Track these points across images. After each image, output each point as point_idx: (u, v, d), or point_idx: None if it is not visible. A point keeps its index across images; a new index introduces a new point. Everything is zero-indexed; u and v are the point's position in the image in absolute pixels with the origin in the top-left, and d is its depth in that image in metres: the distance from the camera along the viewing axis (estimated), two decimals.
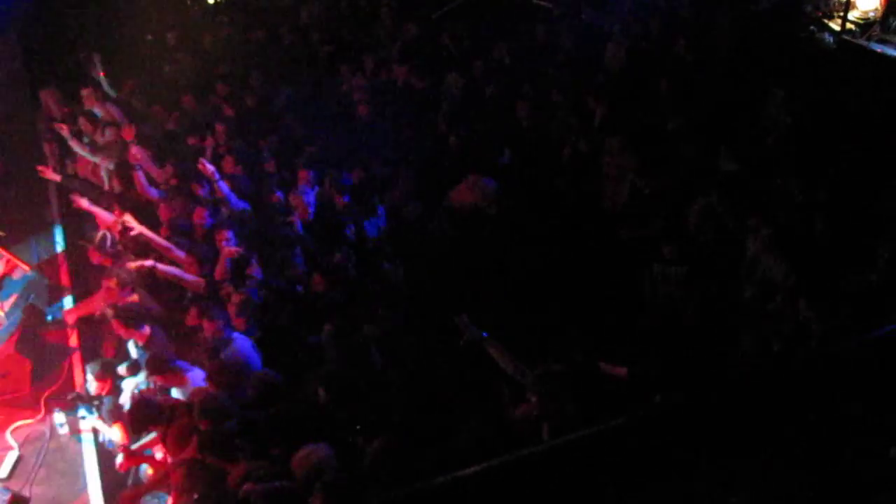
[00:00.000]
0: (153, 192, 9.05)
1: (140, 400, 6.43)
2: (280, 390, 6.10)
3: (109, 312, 7.27)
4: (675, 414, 3.04)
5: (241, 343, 6.73)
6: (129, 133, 9.37)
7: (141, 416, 6.27)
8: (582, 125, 8.67)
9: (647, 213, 7.36)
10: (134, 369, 7.19)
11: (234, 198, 8.56)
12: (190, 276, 7.63)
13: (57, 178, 10.05)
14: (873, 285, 5.59)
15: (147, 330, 7.13)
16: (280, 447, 5.51)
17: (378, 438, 5.15)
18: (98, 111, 11.00)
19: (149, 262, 7.61)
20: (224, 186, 8.53)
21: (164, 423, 6.21)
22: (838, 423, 2.93)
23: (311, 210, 8.32)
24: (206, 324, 6.87)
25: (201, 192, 8.75)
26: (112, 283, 7.67)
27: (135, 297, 7.70)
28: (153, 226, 8.27)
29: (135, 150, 9.21)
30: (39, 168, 9.72)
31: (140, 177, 8.93)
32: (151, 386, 6.92)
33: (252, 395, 6.10)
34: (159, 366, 6.67)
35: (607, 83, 9.45)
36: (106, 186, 10.12)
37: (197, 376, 6.66)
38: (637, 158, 7.64)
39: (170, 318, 7.57)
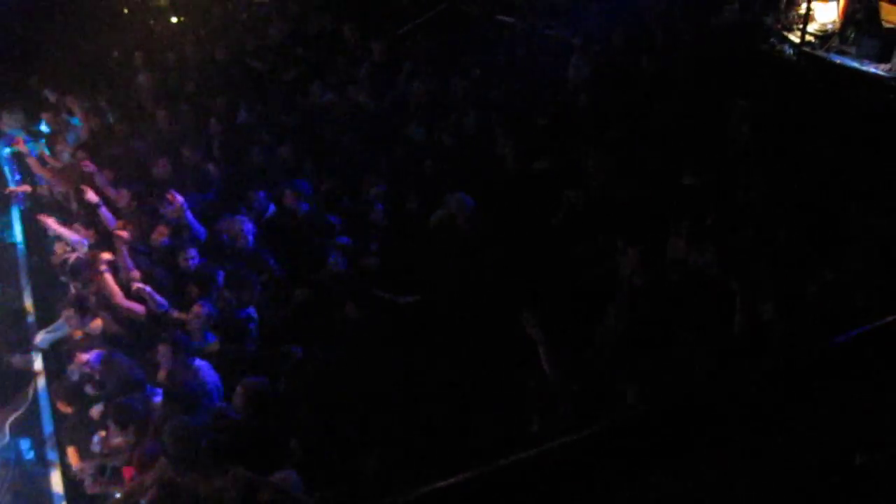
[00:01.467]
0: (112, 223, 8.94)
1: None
2: (269, 397, 6.07)
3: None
4: (638, 423, 3.06)
5: (199, 364, 6.70)
6: (87, 165, 9.36)
7: (122, 418, 6.23)
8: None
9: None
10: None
11: (196, 224, 8.51)
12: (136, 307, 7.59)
13: (28, 188, 10.00)
14: (833, 288, 5.68)
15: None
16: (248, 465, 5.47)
17: (372, 456, 5.18)
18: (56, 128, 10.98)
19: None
20: (189, 215, 8.48)
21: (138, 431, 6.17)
22: (802, 430, 2.96)
23: (249, 238, 8.26)
24: (160, 347, 6.89)
25: (163, 210, 8.68)
26: (71, 312, 7.62)
27: (98, 322, 7.60)
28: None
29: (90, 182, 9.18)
30: (8, 189, 9.67)
31: (103, 212, 8.81)
32: None
33: (241, 406, 6.04)
34: (131, 386, 6.61)
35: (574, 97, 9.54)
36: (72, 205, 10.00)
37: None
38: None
39: (134, 341, 7.48)
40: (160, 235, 8.32)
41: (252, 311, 7.39)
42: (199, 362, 6.69)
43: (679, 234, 6.54)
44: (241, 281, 7.53)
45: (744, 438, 2.93)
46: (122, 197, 9.22)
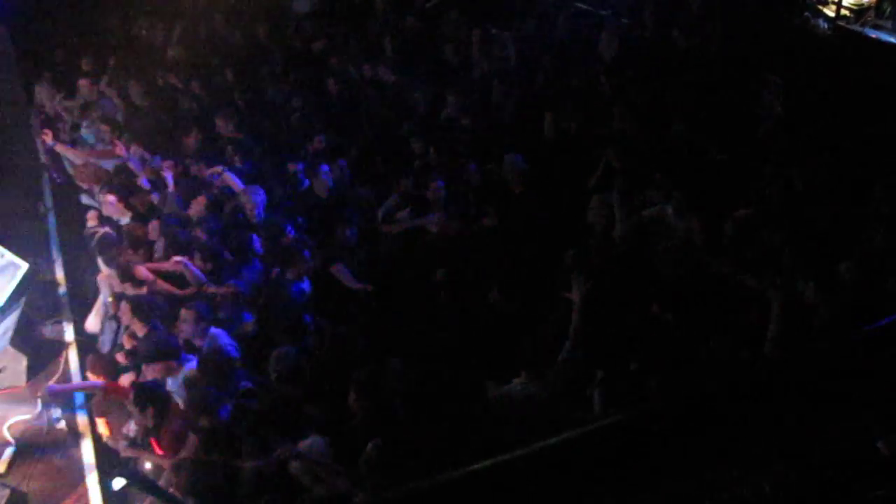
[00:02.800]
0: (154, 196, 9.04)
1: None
2: (302, 365, 6.16)
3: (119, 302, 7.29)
4: (656, 414, 3.05)
5: (220, 336, 6.76)
6: (120, 149, 9.43)
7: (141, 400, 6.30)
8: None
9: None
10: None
11: (241, 184, 8.61)
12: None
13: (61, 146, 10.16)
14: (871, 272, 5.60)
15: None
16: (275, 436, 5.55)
17: (372, 443, 5.18)
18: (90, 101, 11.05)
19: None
20: (234, 177, 8.55)
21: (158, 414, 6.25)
22: (825, 416, 2.94)
23: (258, 210, 8.29)
24: (183, 311, 6.93)
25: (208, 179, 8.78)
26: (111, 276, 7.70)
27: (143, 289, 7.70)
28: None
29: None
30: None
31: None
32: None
33: (277, 374, 6.13)
34: (165, 353, 6.67)
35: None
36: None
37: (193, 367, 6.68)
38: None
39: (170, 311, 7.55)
40: (199, 206, 8.39)
41: (306, 285, 7.43)
42: (214, 330, 6.77)
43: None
44: (291, 254, 7.56)
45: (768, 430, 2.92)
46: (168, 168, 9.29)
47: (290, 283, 7.29)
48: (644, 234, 6.78)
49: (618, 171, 7.30)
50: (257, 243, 7.84)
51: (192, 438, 5.87)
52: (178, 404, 6.42)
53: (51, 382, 7.55)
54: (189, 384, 6.39)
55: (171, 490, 5.31)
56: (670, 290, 5.95)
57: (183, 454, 5.85)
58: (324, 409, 5.97)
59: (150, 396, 6.29)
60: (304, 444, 5.35)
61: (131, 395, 6.36)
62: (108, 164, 9.90)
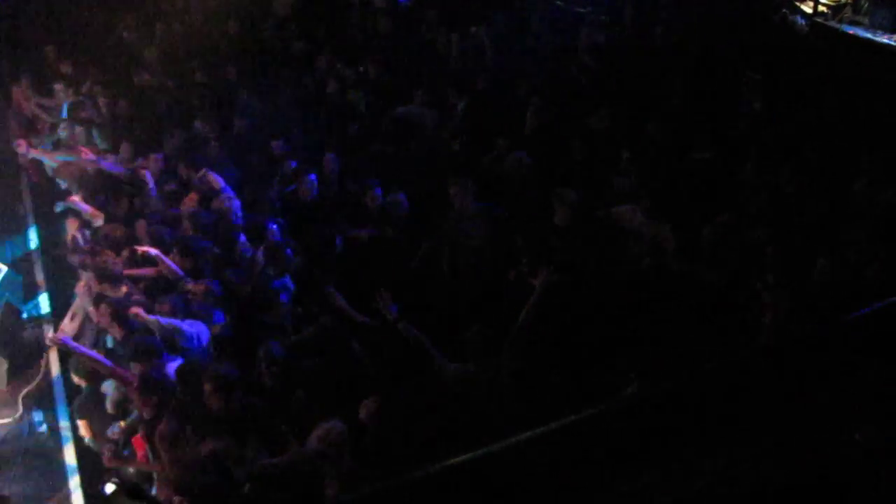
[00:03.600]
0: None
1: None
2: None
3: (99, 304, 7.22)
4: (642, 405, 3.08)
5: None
6: (86, 153, 9.37)
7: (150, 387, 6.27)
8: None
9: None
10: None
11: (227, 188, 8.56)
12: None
13: (35, 151, 10.07)
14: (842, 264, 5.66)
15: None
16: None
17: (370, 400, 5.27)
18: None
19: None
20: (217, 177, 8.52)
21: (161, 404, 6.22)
22: (804, 410, 2.97)
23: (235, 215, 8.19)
24: (157, 305, 6.83)
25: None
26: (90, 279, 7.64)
27: (124, 289, 7.63)
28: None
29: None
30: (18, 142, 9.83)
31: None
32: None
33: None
34: (146, 353, 6.62)
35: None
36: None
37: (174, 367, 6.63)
38: None
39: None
40: (191, 203, 8.35)
41: (287, 280, 7.40)
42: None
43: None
44: (275, 250, 7.52)
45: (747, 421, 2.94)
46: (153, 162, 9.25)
47: (272, 279, 7.27)
48: (608, 232, 6.85)
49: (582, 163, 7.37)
50: (243, 241, 7.79)
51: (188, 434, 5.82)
52: (179, 400, 6.35)
53: (31, 386, 7.50)
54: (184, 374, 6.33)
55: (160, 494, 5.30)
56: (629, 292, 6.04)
57: (176, 452, 5.79)
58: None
59: (155, 387, 6.24)
60: (323, 426, 5.32)
61: (137, 384, 6.30)
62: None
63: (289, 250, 7.46)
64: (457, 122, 9.39)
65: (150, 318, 6.61)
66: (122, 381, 6.68)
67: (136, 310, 6.70)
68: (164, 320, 6.63)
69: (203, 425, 5.78)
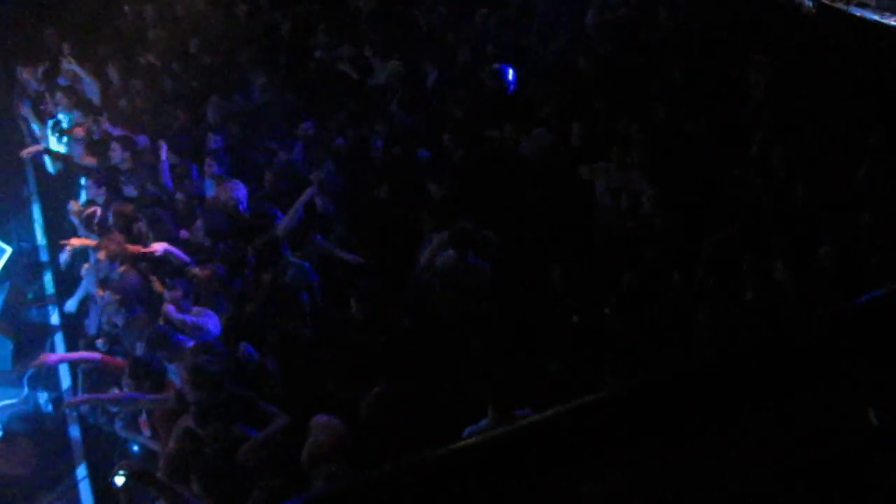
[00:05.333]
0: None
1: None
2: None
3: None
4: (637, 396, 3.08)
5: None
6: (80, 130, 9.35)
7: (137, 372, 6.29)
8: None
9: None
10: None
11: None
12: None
13: (39, 148, 10.00)
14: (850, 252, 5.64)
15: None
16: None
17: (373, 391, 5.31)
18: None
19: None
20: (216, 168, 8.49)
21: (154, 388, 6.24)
22: (814, 391, 2.97)
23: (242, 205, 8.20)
24: (167, 292, 6.83)
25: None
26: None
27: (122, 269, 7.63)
28: None
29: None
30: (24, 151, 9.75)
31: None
32: None
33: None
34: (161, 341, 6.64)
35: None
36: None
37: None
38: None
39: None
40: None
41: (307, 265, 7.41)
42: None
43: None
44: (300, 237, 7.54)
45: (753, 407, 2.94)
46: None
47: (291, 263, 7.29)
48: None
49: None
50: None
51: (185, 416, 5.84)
52: (172, 381, 6.37)
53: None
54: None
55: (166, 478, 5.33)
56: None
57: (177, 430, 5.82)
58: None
59: (146, 370, 6.24)
60: (321, 419, 5.35)
61: (127, 369, 6.31)
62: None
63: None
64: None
65: (178, 317, 6.63)
66: (115, 368, 6.71)
67: (167, 307, 6.74)
68: (191, 319, 6.64)
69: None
